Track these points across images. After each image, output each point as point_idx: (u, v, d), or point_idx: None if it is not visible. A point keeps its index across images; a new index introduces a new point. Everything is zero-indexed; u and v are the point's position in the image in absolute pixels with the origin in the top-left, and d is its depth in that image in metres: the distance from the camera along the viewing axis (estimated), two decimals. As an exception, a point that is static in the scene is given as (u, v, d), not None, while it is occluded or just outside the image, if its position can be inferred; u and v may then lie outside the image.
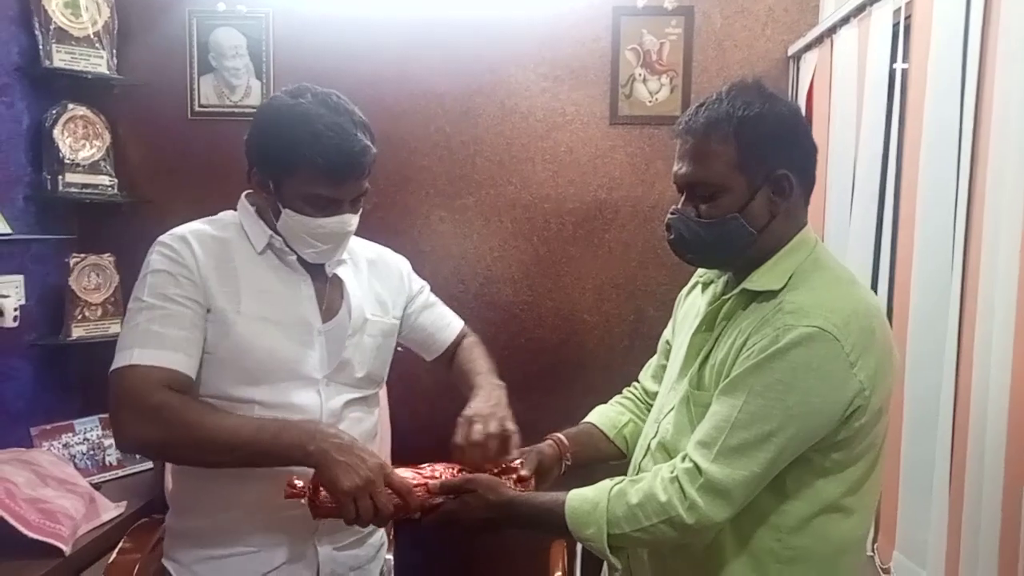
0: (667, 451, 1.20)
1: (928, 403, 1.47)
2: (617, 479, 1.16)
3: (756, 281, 1.14)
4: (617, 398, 1.51)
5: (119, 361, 1.21)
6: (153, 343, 1.21)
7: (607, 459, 1.41)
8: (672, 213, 1.18)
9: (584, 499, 1.14)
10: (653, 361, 1.48)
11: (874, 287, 1.73)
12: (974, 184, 1.37)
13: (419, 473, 1.24)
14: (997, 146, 1.29)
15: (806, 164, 1.17)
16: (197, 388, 1.27)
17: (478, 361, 1.52)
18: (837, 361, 1.03)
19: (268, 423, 1.20)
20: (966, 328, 1.37)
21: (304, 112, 1.24)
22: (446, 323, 1.60)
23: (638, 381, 1.50)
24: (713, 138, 1.12)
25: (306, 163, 1.23)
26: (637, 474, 1.25)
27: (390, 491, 1.17)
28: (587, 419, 1.46)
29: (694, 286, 1.37)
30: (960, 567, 1.34)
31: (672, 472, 1.09)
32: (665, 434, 1.21)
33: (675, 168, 1.18)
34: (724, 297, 1.19)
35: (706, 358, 1.18)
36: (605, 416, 1.45)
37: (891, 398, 1.14)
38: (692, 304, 1.33)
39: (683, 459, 1.09)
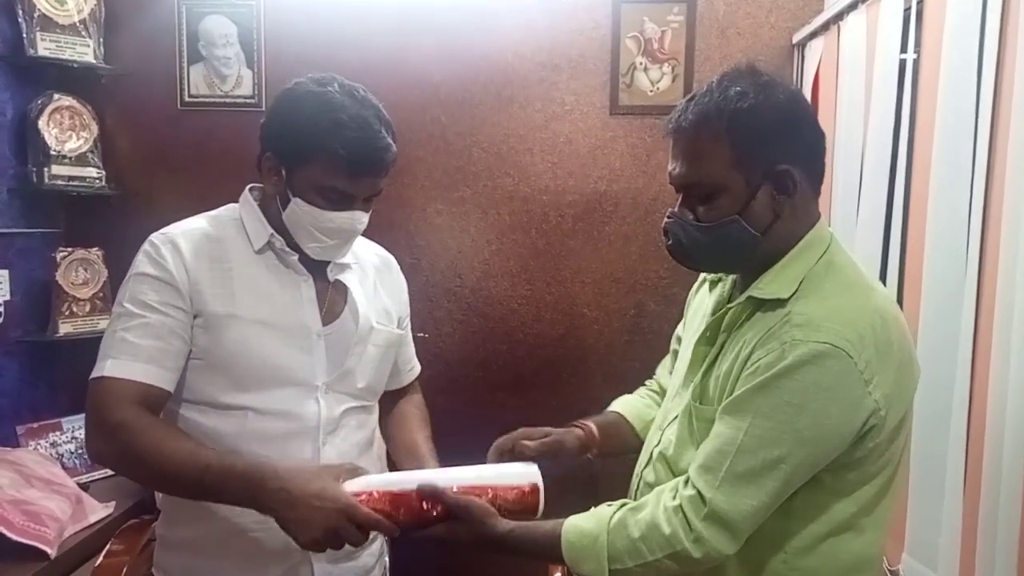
0: (668, 464, 1.14)
1: (941, 401, 1.42)
2: (615, 506, 1.08)
3: (763, 288, 1.05)
4: (643, 389, 1.44)
5: (95, 371, 1.17)
6: (127, 354, 1.16)
7: (631, 451, 1.33)
8: (669, 217, 1.10)
9: (582, 532, 1.06)
10: (668, 358, 1.41)
11: (883, 282, 1.68)
12: (992, 174, 1.33)
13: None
14: (1017, 135, 1.25)
15: (812, 155, 1.07)
16: (184, 395, 1.23)
17: (424, 442, 1.40)
18: (850, 379, 0.96)
19: (215, 464, 1.11)
20: (983, 325, 1.33)
21: (329, 100, 1.18)
22: (409, 367, 1.53)
23: (654, 377, 1.44)
24: (705, 136, 1.03)
25: (326, 152, 1.17)
26: (638, 482, 1.19)
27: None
28: (615, 408, 1.38)
29: (702, 283, 1.31)
30: (976, 572, 1.30)
31: (675, 499, 1.02)
32: (667, 445, 1.15)
33: (669, 168, 1.09)
34: (728, 306, 1.11)
35: (710, 368, 1.11)
36: (633, 408, 1.38)
37: (911, 410, 1.07)
38: (700, 304, 1.27)
39: (686, 484, 1.02)
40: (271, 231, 1.27)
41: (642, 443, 1.33)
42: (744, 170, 1.03)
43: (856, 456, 1.00)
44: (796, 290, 1.03)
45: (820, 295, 1.02)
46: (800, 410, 0.96)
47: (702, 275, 1.31)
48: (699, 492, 1.00)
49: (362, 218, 1.26)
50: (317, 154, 1.18)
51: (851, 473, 1.02)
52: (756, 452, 0.98)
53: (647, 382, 1.46)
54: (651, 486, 1.14)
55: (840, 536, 1.04)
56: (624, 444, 1.34)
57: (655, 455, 1.18)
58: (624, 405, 1.39)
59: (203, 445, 1.17)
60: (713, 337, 1.13)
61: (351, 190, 1.22)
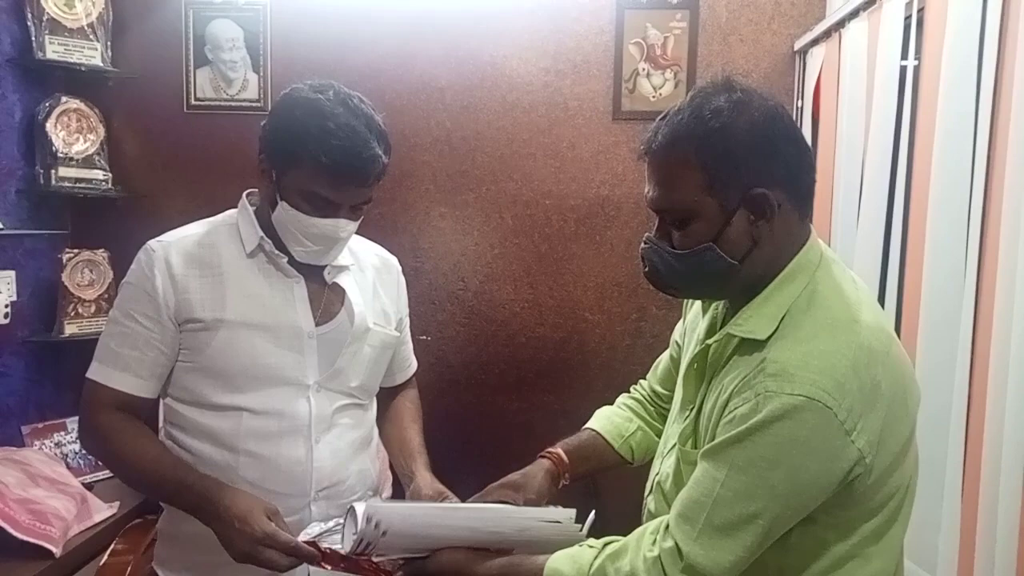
0: (664, 497, 1.12)
1: (940, 403, 1.43)
2: (597, 547, 1.03)
3: (742, 325, 0.99)
4: (624, 399, 1.41)
5: (88, 370, 1.27)
6: (109, 361, 1.25)
7: (610, 468, 1.33)
8: (645, 243, 1.06)
9: None
10: (663, 358, 1.37)
11: (882, 292, 1.69)
12: (990, 184, 1.34)
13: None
14: (1016, 144, 1.26)
15: (793, 176, 0.99)
16: (183, 396, 1.28)
17: (415, 436, 1.45)
18: (829, 431, 0.90)
19: (171, 476, 1.20)
20: (982, 328, 1.34)
21: (320, 107, 1.20)
22: (407, 365, 1.56)
23: (645, 379, 1.42)
24: (675, 159, 0.98)
25: (310, 158, 1.19)
26: (644, 510, 1.17)
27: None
28: (591, 425, 1.36)
29: None
30: (974, 574, 1.30)
31: (653, 549, 0.98)
32: (664, 478, 1.13)
33: (645, 191, 1.05)
34: (707, 341, 1.06)
35: (700, 409, 1.08)
36: (611, 423, 1.35)
37: (911, 436, 1.01)
38: (696, 315, 1.22)
39: (665, 532, 0.98)
40: (261, 234, 1.29)
41: (622, 458, 1.32)
42: (717, 194, 0.97)
43: (848, 498, 0.96)
44: (776, 328, 0.97)
45: (798, 337, 0.95)
46: (775, 465, 0.91)
47: None
48: (677, 544, 0.96)
49: (347, 226, 1.27)
50: (303, 160, 1.20)
51: (847, 511, 0.96)
52: (732, 506, 0.93)
53: (633, 387, 1.43)
54: (654, 516, 1.12)
55: (843, 568, 0.98)
56: (601, 463, 1.32)
57: (655, 485, 1.16)
58: (601, 422, 1.36)
59: (167, 453, 1.25)
60: (701, 371, 1.09)
61: (335, 198, 1.23)
